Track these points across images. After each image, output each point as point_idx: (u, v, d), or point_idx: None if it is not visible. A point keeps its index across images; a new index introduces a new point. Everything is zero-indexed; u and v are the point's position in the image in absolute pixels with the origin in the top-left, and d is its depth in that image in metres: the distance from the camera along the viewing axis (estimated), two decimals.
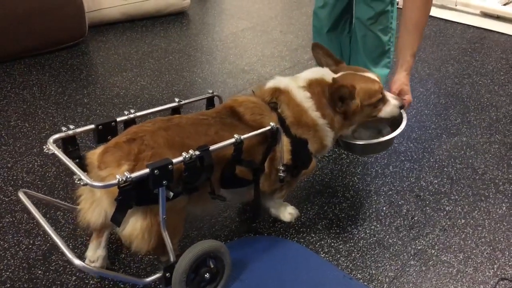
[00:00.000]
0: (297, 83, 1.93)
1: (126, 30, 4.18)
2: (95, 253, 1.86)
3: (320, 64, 2.12)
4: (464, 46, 4.06)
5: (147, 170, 1.47)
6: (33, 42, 3.59)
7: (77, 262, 1.50)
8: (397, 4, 2.59)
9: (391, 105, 2.03)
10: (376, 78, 2.00)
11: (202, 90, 3.28)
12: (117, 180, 1.42)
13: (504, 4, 4.71)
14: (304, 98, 1.89)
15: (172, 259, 1.65)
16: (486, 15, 4.68)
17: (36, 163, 2.54)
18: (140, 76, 3.45)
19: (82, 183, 1.46)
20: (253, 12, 4.73)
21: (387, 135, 2.15)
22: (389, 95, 2.05)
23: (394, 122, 2.16)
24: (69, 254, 1.50)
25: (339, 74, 1.98)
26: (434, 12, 4.62)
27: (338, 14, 2.65)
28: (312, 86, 1.92)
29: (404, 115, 2.15)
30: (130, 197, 1.48)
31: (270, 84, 1.97)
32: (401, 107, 2.06)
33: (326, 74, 1.98)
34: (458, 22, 4.54)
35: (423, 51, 3.92)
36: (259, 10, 4.78)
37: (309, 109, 1.89)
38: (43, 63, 3.58)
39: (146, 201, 1.54)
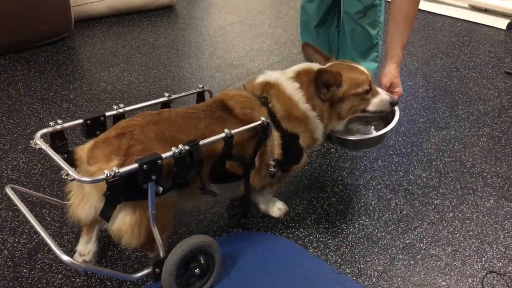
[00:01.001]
0: (286, 75, 1.93)
1: (113, 25, 4.14)
2: (85, 247, 1.86)
3: (310, 61, 2.11)
4: (453, 40, 4.08)
5: (135, 165, 1.45)
6: (18, 37, 3.53)
7: (64, 258, 1.49)
8: None
9: (380, 97, 2.01)
10: (365, 70, 2.00)
11: (190, 85, 3.27)
12: (105, 175, 1.41)
13: None
14: (293, 90, 1.89)
15: (161, 254, 1.64)
16: (474, 8, 4.70)
17: (21, 160, 2.50)
18: (127, 71, 3.42)
19: (69, 178, 1.45)
20: (241, 6, 4.71)
21: (378, 128, 2.15)
22: (380, 90, 2.04)
23: (386, 116, 2.15)
24: (57, 250, 1.49)
25: (327, 65, 1.99)
26: (423, 5, 4.64)
27: (326, 8, 2.65)
28: (301, 75, 1.93)
29: (397, 110, 2.13)
30: (119, 192, 1.47)
31: (261, 78, 1.97)
32: (394, 104, 2.05)
33: (314, 66, 1.98)
34: (446, 16, 4.56)
35: (411, 44, 3.93)
36: (247, 4, 4.76)
37: (299, 101, 1.89)
38: (28, 58, 3.53)
39: (136, 196, 1.53)
